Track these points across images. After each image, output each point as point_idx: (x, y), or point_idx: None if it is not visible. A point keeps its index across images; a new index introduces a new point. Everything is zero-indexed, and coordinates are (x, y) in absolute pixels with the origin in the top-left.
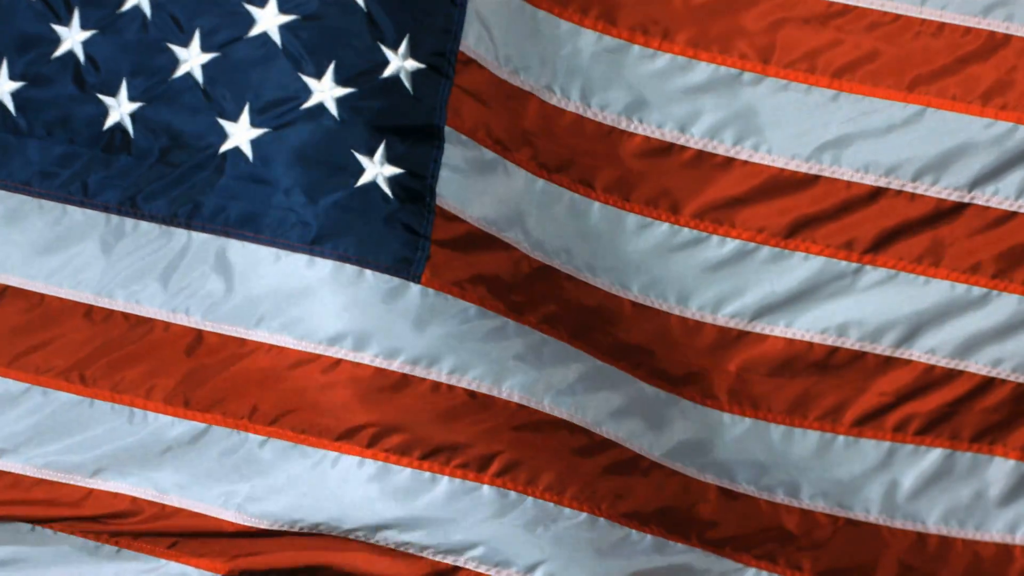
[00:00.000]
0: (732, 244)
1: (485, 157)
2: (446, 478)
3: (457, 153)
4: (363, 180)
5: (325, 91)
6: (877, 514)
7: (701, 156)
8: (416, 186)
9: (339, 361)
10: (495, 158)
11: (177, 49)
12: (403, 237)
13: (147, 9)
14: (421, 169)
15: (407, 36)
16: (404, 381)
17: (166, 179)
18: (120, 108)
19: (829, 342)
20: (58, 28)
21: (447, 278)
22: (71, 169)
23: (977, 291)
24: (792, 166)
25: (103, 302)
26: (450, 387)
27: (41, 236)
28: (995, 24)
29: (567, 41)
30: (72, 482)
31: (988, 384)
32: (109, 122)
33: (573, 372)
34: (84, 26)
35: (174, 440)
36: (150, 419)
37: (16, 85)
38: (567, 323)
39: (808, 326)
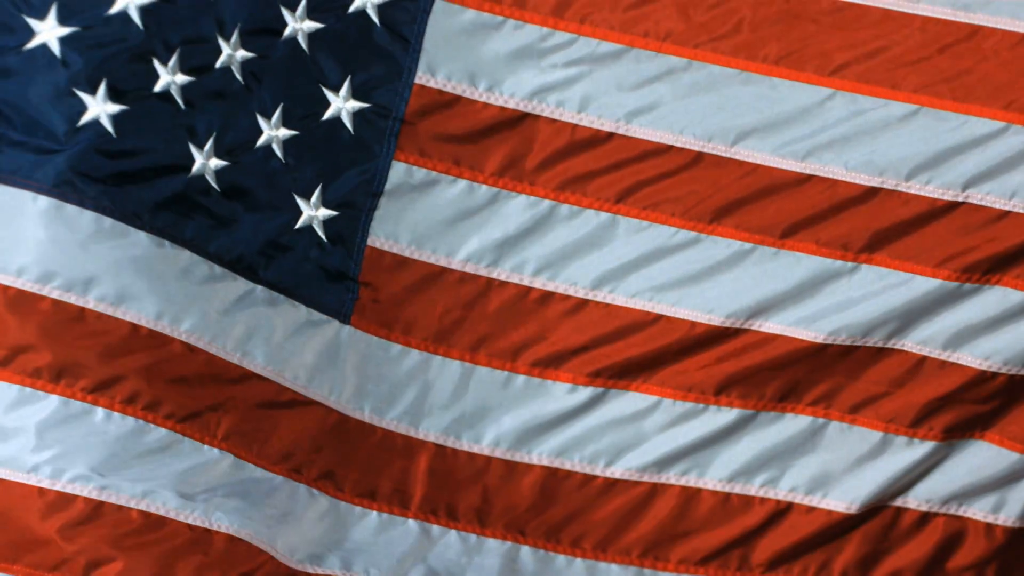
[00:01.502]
0: (731, 245)
1: (445, 184)
2: (373, 513)
3: (404, 187)
4: (300, 223)
5: (273, 132)
6: (860, 505)
7: (700, 157)
8: (348, 228)
9: (295, 394)
10: (458, 183)
11: (159, 67)
12: (333, 280)
13: (136, 18)
14: (355, 210)
15: (349, 77)
16: (342, 419)
17: (138, 188)
18: (100, 107)
19: (820, 340)
20: (32, 21)
21: (374, 319)
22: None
23: (969, 287)
24: (785, 166)
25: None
26: (372, 426)
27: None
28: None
29: (563, 51)
30: None
31: (980, 376)
32: (86, 118)
33: (494, 401)
34: (62, 22)
35: None
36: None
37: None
38: (507, 343)
39: (803, 323)
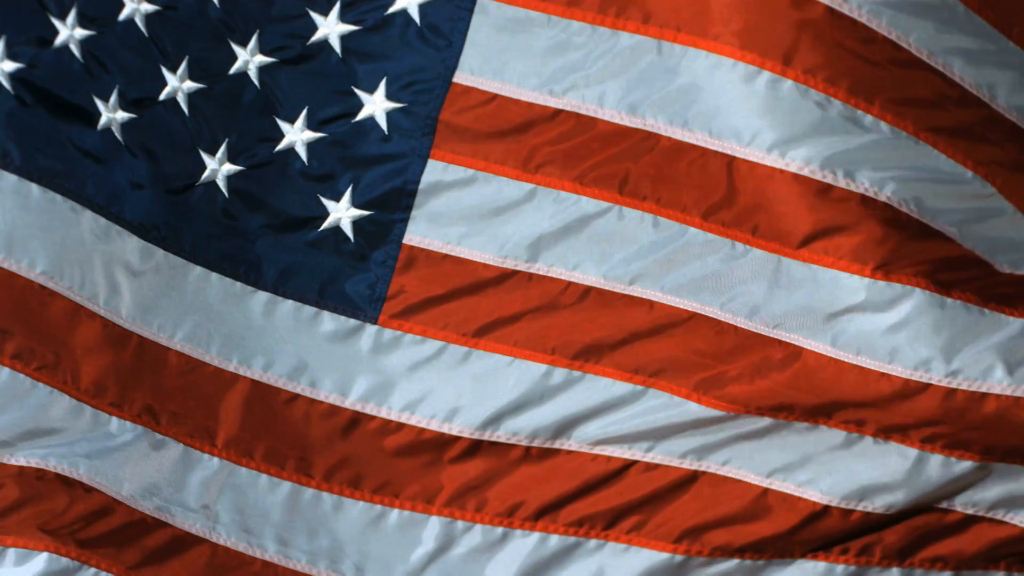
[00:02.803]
0: (754, 253)
1: (482, 182)
2: (395, 511)
3: (440, 185)
4: (327, 224)
5: (296, 135)
6: (899, 510)
7: (733, 162)
8: (382, 227)
9: (296, 396)
10: (495, 180)
11: (167, 73)
12: (362, 279)
13: (142, 26)
14: (390, 209)
15: (385, 78)
16: (355, 419)
17: (148, 198)
18: (113, 115)
19: (844, 357)
20: (56, 22)
21: (407, 317)
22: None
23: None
24: (808, 172)
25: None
26: (399, 424)
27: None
28: None
29: (602, 46)
30: None
31: (1016, 403)
32: (100, 124)
33: (534, 394)
34: (82, 24)
35: None
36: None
37: (15, 66)
38: (547, 337)
39: (826, 338)
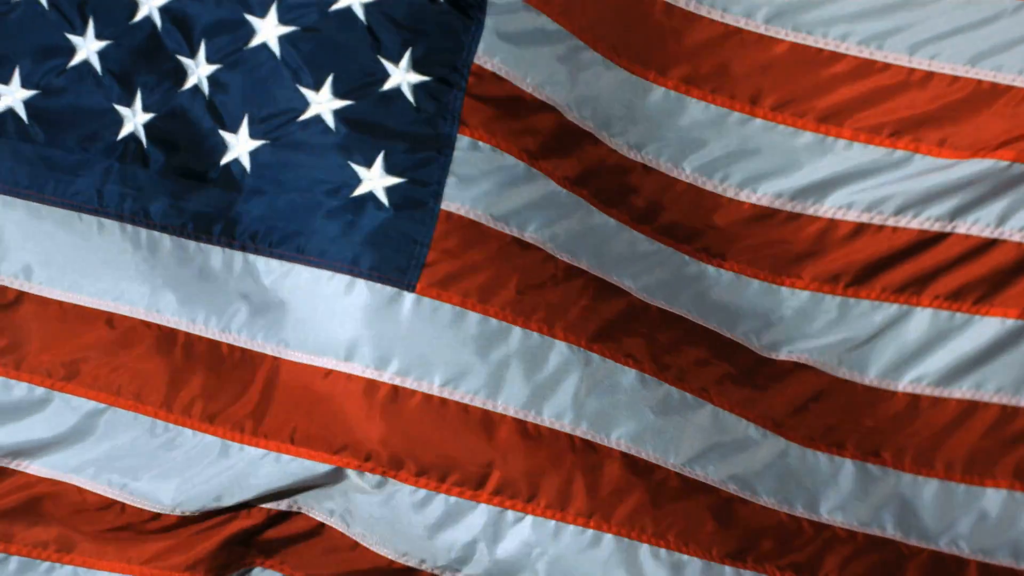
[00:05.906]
0: (726, 275)
1: (506, 164)
2: (442, 495)
3: (470, 160)
4: (359, 191)
5: (323, 103)
6: (893, 531)
7: (700, 192)
8: (418, 195)
9: (330, 372)
10: (518, 164)
11: (185, 61)
12: (398, 247)
13: (157, 20)
14: (425, 177)
15: (409, 49)
16: (395, 393)
17: (176, 191)
18: (135, 119)
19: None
20: (73, 38)
21: (446, 285)
22: (85, 178)
23: (960, 317)
24: (777, 204)
25: (124, 310)
26: (442, 400)
27: (56, 242)
28: (982, 73)
29: (589, 68)
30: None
31: (972, 408)
32: (123, 132)
33: (573, 380)
34: (99, 36)
35: None
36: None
37: (30, 93)
38: (585, 327)
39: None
